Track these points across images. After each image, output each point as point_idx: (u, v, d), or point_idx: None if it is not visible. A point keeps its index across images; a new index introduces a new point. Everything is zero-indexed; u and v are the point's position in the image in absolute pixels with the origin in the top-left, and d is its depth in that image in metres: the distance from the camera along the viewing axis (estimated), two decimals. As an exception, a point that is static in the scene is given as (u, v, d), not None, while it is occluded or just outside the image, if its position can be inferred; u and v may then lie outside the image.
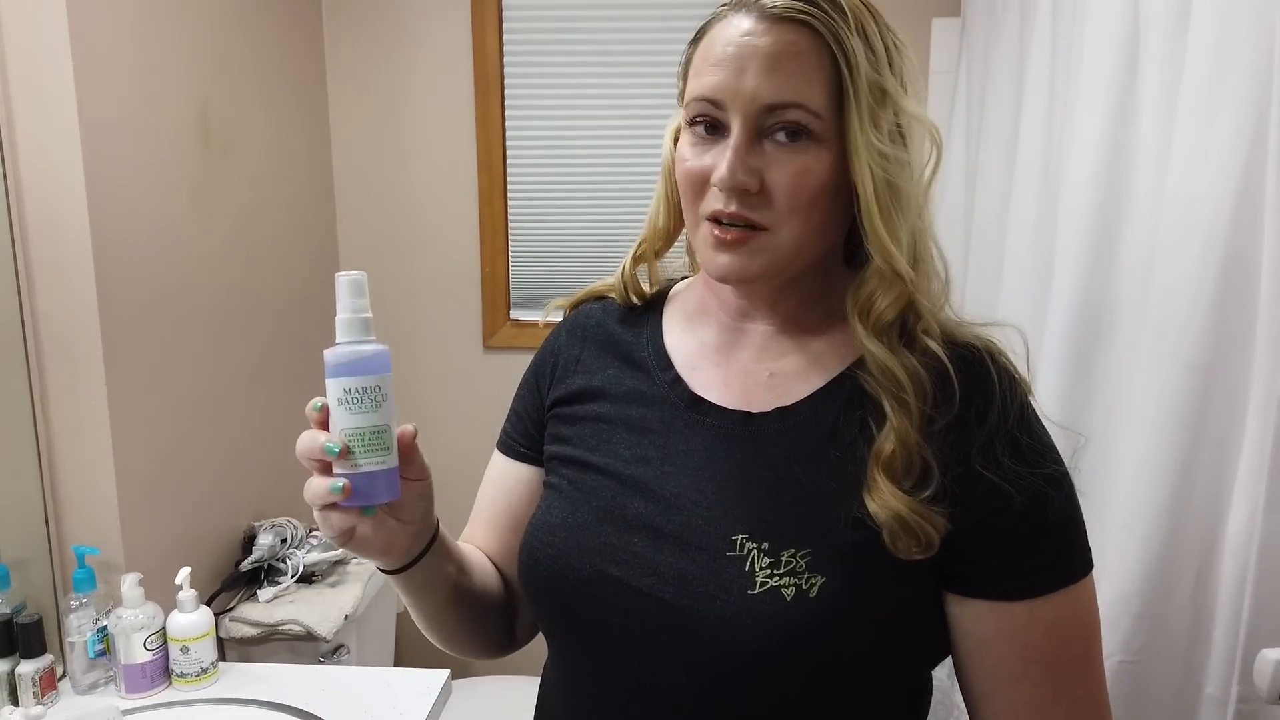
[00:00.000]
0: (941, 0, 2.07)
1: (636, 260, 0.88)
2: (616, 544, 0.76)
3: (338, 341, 0.69)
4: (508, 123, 2.21)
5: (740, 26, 0.71)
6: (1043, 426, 0.75)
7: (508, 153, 2.23)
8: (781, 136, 0.70)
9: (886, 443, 0.70)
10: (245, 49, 1.85)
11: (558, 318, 0.95)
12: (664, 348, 0.84)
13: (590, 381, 0.85)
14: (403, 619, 2.16)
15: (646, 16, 2.14)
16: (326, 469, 0.69)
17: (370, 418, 0.67)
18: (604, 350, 0.87)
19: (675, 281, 0.92)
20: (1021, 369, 0.76)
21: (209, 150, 1.71)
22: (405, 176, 2.25)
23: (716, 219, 0.72)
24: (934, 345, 0.72)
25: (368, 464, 0.67)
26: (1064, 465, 0.74)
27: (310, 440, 0.68)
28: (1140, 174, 1.20)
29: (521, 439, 0.91)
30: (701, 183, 0.73)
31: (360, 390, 0.67)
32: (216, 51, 1.74)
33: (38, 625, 1.34)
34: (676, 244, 0.89)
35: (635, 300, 0.89)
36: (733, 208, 0.71)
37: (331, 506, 0.69)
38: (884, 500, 0.69)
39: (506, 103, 2.20)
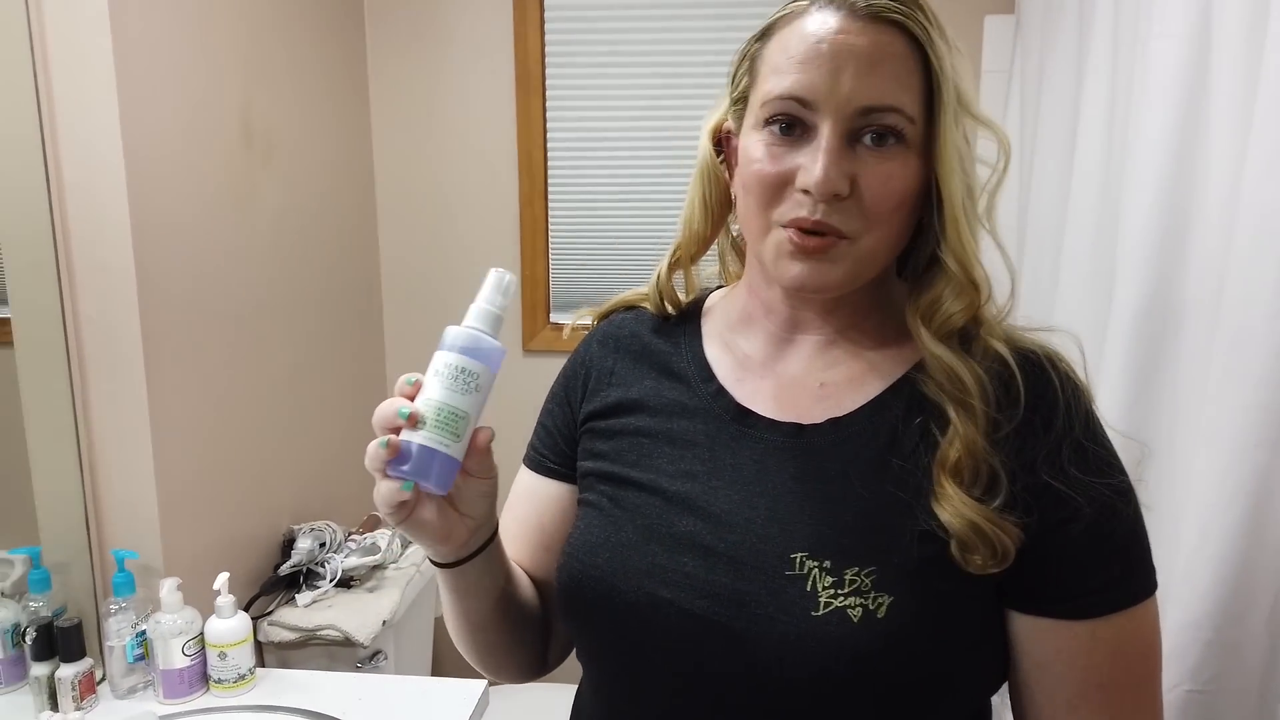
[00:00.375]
0: (995, -4, 2.01)
1: (673, 267, 0.85)
2: (665, 564, 0.72)
3: (464, 323, 0.68)
4: (549, 123, 2.19)
5: (829, 23, 0.68)
6: (1107, 436, 0.72)
7: (549, 153, 2.20)
8: (869, 140, 0.68)
9: (951, 449, 0.68)
10: (287, 50, 1.84)
11: (586, 323, 0.92)
12: (704, 358, 0.81)
13: (626, 394, 0.82)
14: (441, 625, 2.14)
15: (693, 14, 2.11)
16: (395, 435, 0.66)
17: (455, 397, 0.65)
18: (639, 361, 0.84)
19: (709, 291, 0.89)
20: (1080, 376, 0.73)
21: (251, 152, 1.71)
22: (446, 177, 2.24)
23: (797, 226, 0.69)
24: (999, 347, 0.70)
25: (431, 440, 0.65)
26: (1129, 477, 0.71)
27: (389, 405, 0.66)
28: (1212, 179, 1.14)
29: (551, 455, 0.87)
30: (778, 186, 0.70)
31: (458, 369, 0.66)
32: (258, 53, 1.73)
33: (77, 629, 1.34)
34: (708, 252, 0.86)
35: (670, 310, 0.86)
36: (819, 215, 0.68)
37: (384, 474, 0.66)
38: (956, 509, 0.66)
39: (548, 102, 2.18)
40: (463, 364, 0.66)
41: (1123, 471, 0.70)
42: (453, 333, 0.67)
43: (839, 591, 0.66)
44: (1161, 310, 1.24)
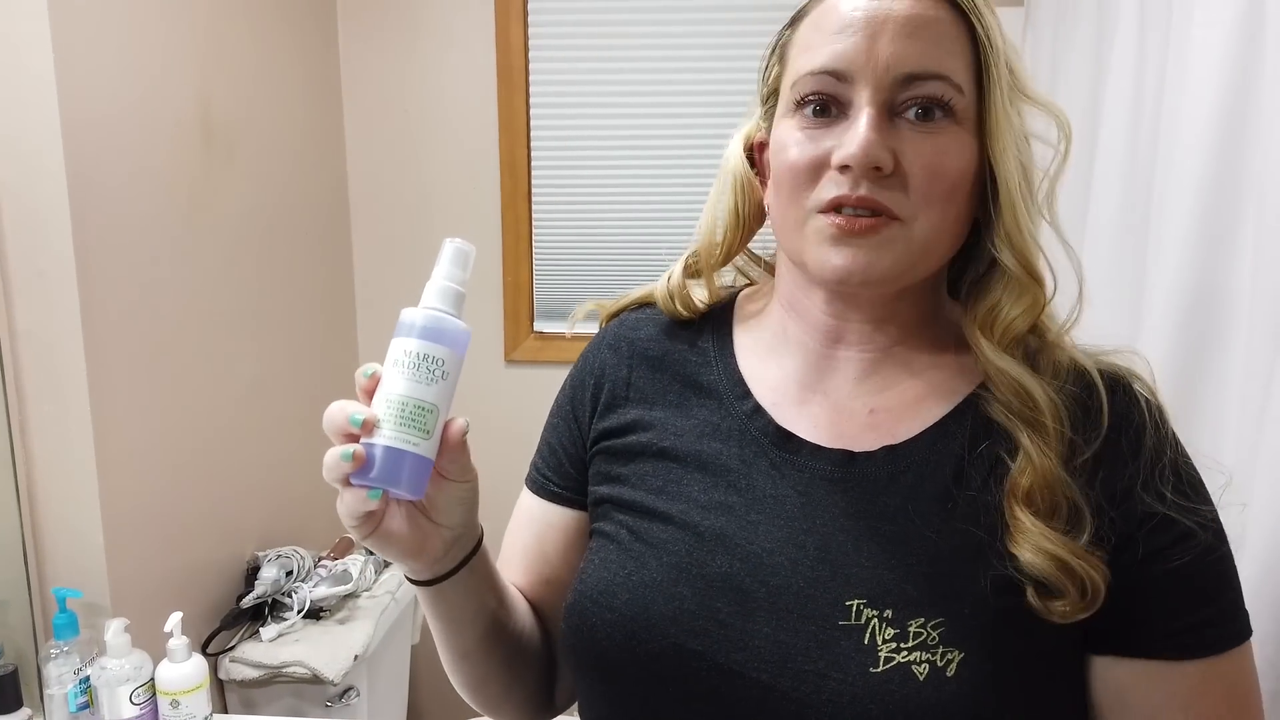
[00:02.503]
0: (1002, -12, 1.92)
1: (688, 273, 0.77)
2: (695, 610, 0.63)
3: (421, 304, 0.61)
4: (533, 121, 2.09)
5: None
6: (1193, 463, 0.66)
7: (532, 153, 2.10)
8: (913, 115, 0.61)
9: (1024, 477, 0.61)
10: (251, 40, 1.72)
11: (590, 328, 0.82)
12: (738, 370, 0.72)
13: (648, 410, 0.73)
14: (417, 658, 2.03)
15: (685, 6, 2.01)
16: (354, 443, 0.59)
17: (420, 389, 0.58)
18: (658, 370, 0.75)
19: (737, 291, 0.79)
20: (1157, 396, 0.68)
21: (210, 151, 1.58)
22: (423, 178, 2.14)
23: (837, 207, 0.61)
24: (1079, 357, 0.64)
25: (397, 440, 0.58)
26: (1215, 508, 0.65)
27: (340, 409, 0.59)
28: (1269, 174, 1.05)
29: (556, 477, 0.78)
30: (813, 171, 0.62)
31: (421, 356, 0.59)
32: (219, 43, 1.61)
33: (13, 677, 1.23)
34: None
35: (684, 313, 0.76)
36: (862, 190, 0.60)
37: (346, 483, 0.59)
38: (1036, 544, 0.59)
39: (532, 99, 2.08)
40: (425, 350, 0.59)
41: (1211, 500, 0.65)
42: (410, 315, 0.60)
43: (901, 645, 0.59)
44: (1204, 320, 1.14)
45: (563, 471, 0.78)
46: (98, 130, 1.30)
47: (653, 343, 0.76)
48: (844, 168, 0.61)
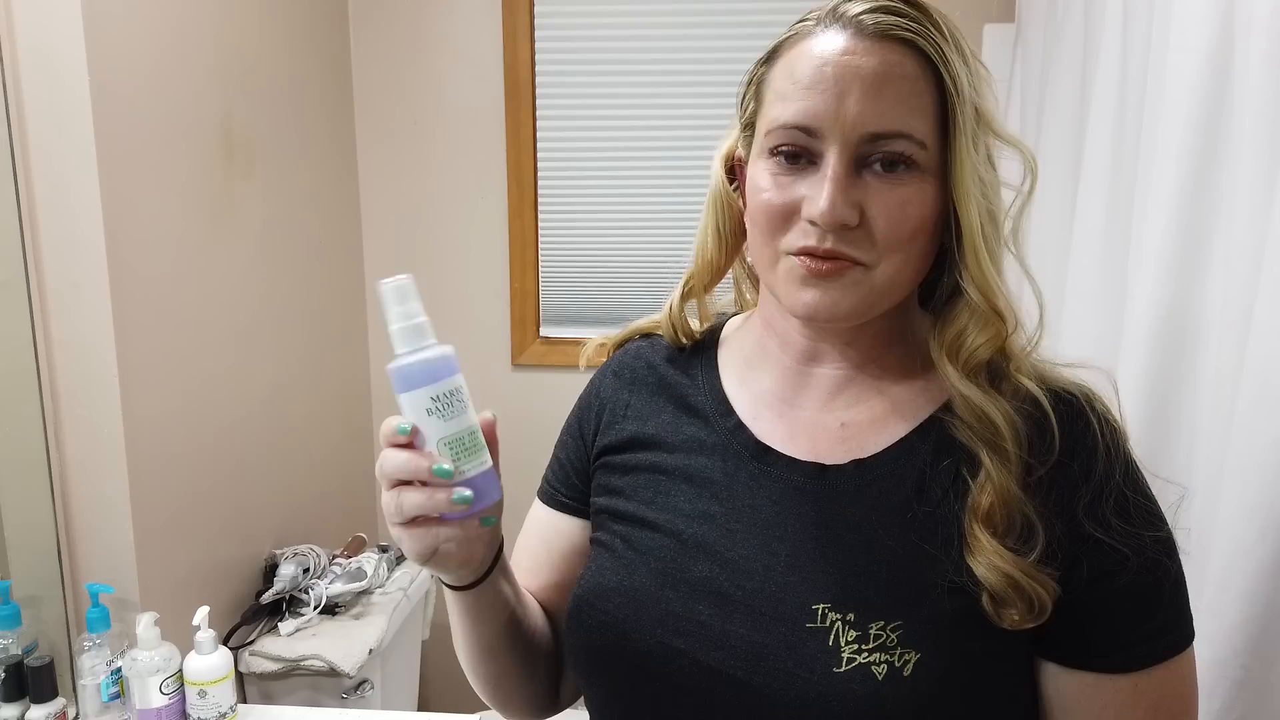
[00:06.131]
0: (994, 5, 1.98)
1: (685, 297, 0.81)
2: (680, 612, 0.68)
3: (397, 354, 0.63)
4: (539, 133, 2.15)
5: (835, 44, 0.64)
6: (1146, 482, 0.69)
7: (539, 164, 2.16)
8: (879, 166, 0.64)
9: (984, 496, 0.64)
10: (269, 59, 1.78)
11: (583, 332, 0.88)
12: (722, 391, 0.77)
13: (643, 428, 0.79)
14: (428, 652, 2.09)
15: (687, 22, 2.06)
16: (419, 487, 0.62)
17: (463, 420, 0.63)
18: (655, 394, 0.80)
19: (727, 318, 0.85)
20: (1117, 417, 0.70)
21: (231, 165, 1.65)
22: (433, 189, 2.19)
23: (808, 254, 0.65)
24: (1031, 387, 0.67)
25: (473, 468, 0.63)
26: (1169, 527, 0.68)
27: (409, 463, 0.61)
28: (1239, 192, 1.10)
29: (564, 488, 0.84)
30: (785, 216, 0.66)
31: (448, 395, 0.62)
32: (239, 62, 1.67)
33: (49, 668, 1.28)
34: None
35: (684, 340, 0.82)
36: (829, 244, 0.64)
37: (431, 521, 0.63)
38: (991, 561, 0.62)
39: (538, 112, 2.14)
40: (438, 391, 0.62)
41: (1164, 521, 0.68)
42: (403, 369, 0.62)
43: (863, 647, 0.63)
44: (1180, 329, 1.20)
45: (570, 483, 0.83)
46: (129, 150, 1.36)
47: (651, 370, 0.81)
48: (813, 221, 0.64)
